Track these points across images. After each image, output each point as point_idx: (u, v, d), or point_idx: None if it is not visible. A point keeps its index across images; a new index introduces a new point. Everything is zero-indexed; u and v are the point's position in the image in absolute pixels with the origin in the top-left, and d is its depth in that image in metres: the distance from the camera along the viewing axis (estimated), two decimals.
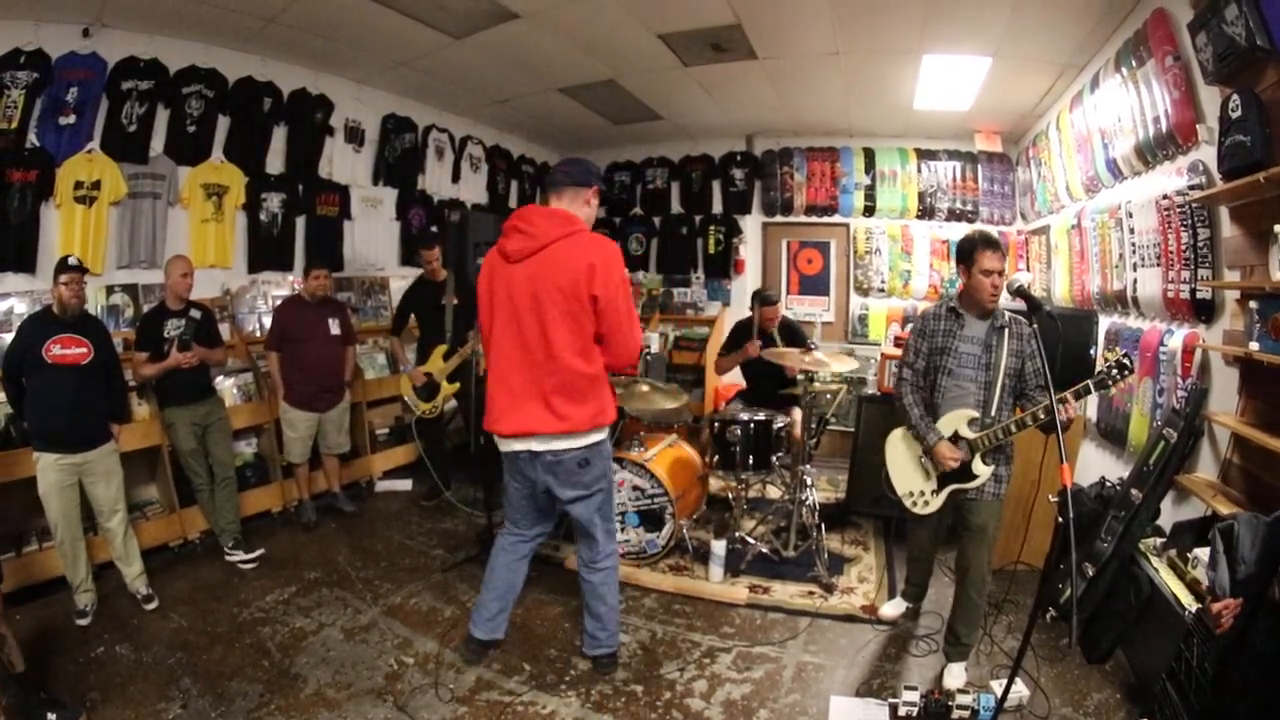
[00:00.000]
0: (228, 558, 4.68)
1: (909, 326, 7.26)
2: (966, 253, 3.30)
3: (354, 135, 6.61)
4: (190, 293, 4.62)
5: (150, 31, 4.97)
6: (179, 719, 3.07)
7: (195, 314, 4.60)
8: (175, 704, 3.16)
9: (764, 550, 4.75)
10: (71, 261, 3.76)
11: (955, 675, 3.38)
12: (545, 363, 2.98)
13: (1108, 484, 4.05)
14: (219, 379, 5.18)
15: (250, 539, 4.85)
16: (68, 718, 2.94)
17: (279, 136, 6.01)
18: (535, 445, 3.08)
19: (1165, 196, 3.91)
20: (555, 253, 2.92)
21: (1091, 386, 2.93)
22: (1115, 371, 2.88)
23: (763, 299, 5.48)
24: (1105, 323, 4.87)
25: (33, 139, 4.53)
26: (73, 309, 3.79)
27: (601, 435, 3.20)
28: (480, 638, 3.53)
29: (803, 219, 8.32)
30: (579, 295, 2.91)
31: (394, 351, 6.27)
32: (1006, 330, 3.28)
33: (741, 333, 5.65)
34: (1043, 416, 3.01)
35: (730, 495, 5.32)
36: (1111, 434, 4.64)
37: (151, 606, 4.04)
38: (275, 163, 6.01)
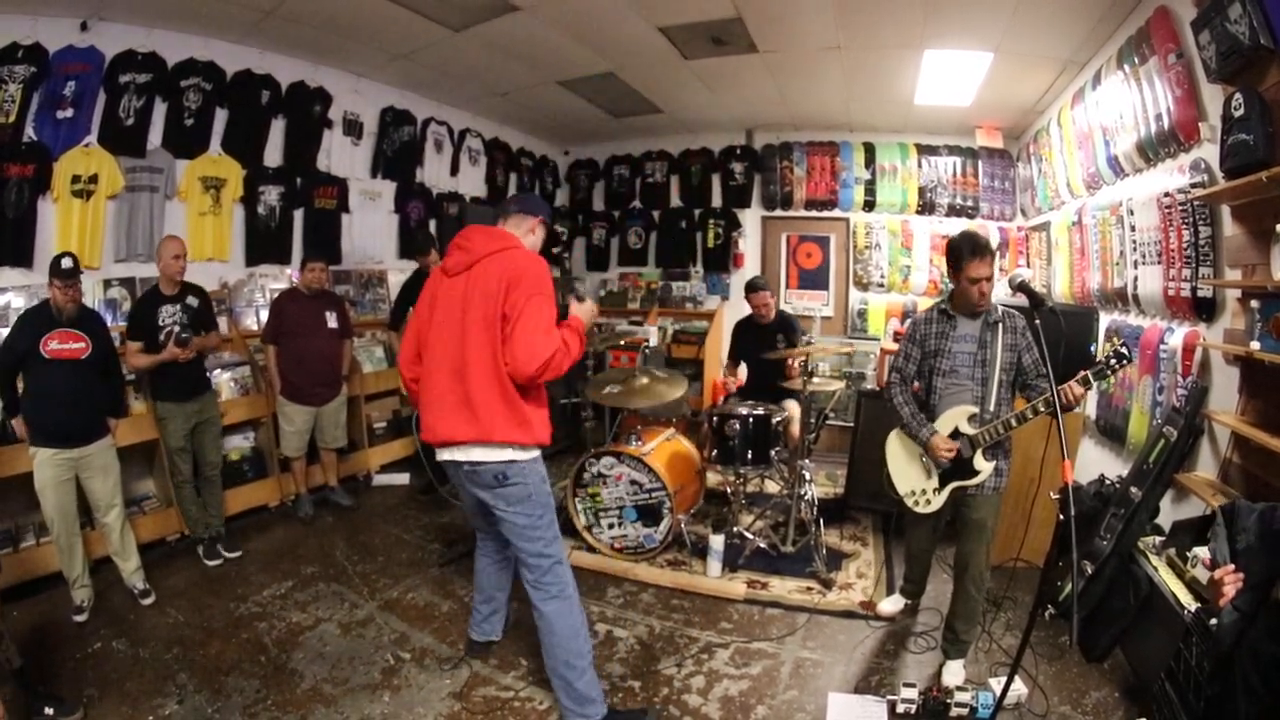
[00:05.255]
0: (213, 557, 4.64)
1: (908, 322, 7.30)
2: (954, 259, 3.28)
3: (352, 128, 6.58)
4: (184, 275, 4.52)
5: (148, 24, 4.94)
6: (175, 715, 3.06)
7: (192, 301, 4.52)
8: (172, 700, 3.15)
9: (762, 545, 4.75)
10: (65, 265, 3.66)
11: (954, 672, 3.38)
12: (463, 370, 2.90)
13: (1107, 481, 4.05)
14: (215, 372, 5.16)
15: (246, 533, 4.86)
16: (65, 712, 2.95)
17: (277, 129, 5.98)
18: (457, 454, 2.98)
19: (1167, 194, 3.91)
20: (485, 266, 2.92)
21: (1090, 377, 2.91)
22: (1114, 361, 2.88)
23: (750, 286, 5.56)
24: (1105, 320, 4.88)
25: (30, 133, 4.50)
26: (69, 312, 3.74)
27: (520, 454, 2.96)
28: (475, 639, 3.60)
29: (802, 213, 8.32)
30: (499, 302, 2.84)
31: (393, 346, 6.24)
32: (1000, 325, 3.28)
33: (741, 333, 5.66)
34: (1043, 409, 3.00)
35: (728, 490, 5.32)
36: (1111, 431, 4.64)
37: (148, 602, 4.04)
38: (273, 155, 5.98)
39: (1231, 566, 2.16)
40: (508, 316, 2.82)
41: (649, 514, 4.64)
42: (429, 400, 3.03)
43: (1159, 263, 4.05)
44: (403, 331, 5.86)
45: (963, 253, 3.22)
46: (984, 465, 3.25)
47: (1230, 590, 2.08)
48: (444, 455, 3.03)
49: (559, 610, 3.01)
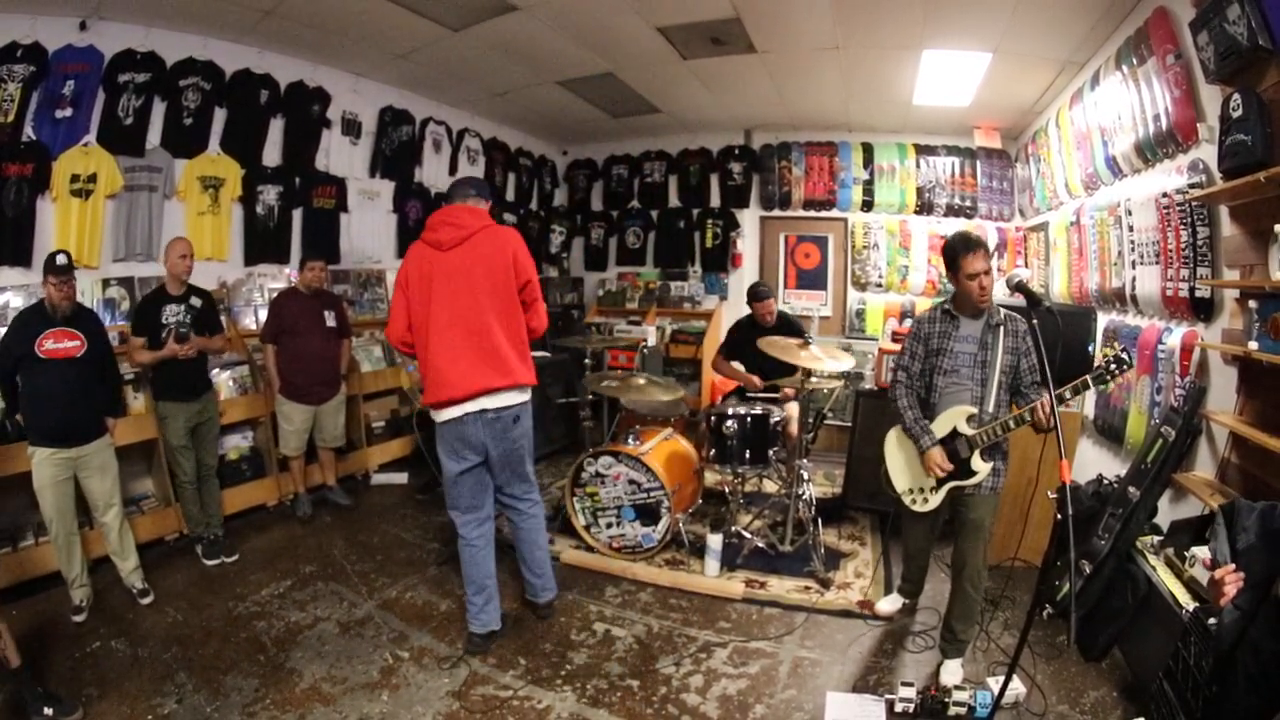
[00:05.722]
0: (213, 557, 4.61)
1: (907, 322, 7.30)
2: (950, 259, 3.30)
3: (351, 127, 6.58)
4: (190, 275, 4.58)
5: (147, 24, 4.94)
6: (174, 714, 3.06)
7: (196, 302, 4.57)
8: (171, 699, 3.15)
9: (760, 545, 4.75)
10: (59, 261, 3.67)
11: (952, 671, 3.38)
12: (483, 329, 3.41)
13: (1105, 481, 4.05)
14: (215, 371, 5.16)
15: (245, 533, 4.88)
16: (65, 712, 2.94)
17: (276, 129, 5.97)
18: (485, 402, 3.43)
19: (1165, 195, 3.91)
20: (481, 239, 3.43)
21: (1090, 382, 2.92)
22: (1113, 366, 2.88)
23: (753, 294, 5.51)
24: (1104, 320, 4.88)
25: (29, 132, 4.49)
26: (63, 310, 3.73)
27: (527, 395, 3.62)
28: (477, 632, 3.64)
29: (801, 213, 8.32)
30: (507, 271, 3.45)
31: None
32: (1002, 328, 3.28)
33: (739, 332, 5.66)
34: (1028, 419, 3.02)
35: (727, 489, 5.33)
36: (1109, 431, 4.64)
37: (147, 601, 4.04)
38: (272, 155, 5.97)
39: (1232, 566, 2.17)
40: (532, 282, 3.54)
41: (647, 513, 4.65)
42: (447, 361, 3.41)
43: (1157, 263, 4.05)
44: None
45: (958, 250, 3.24)
46: (981, 466, 3.25)
47: (1231, 589, 2.09)
48: (470, 407, 3.43)
49: (540, 506, 3.90)
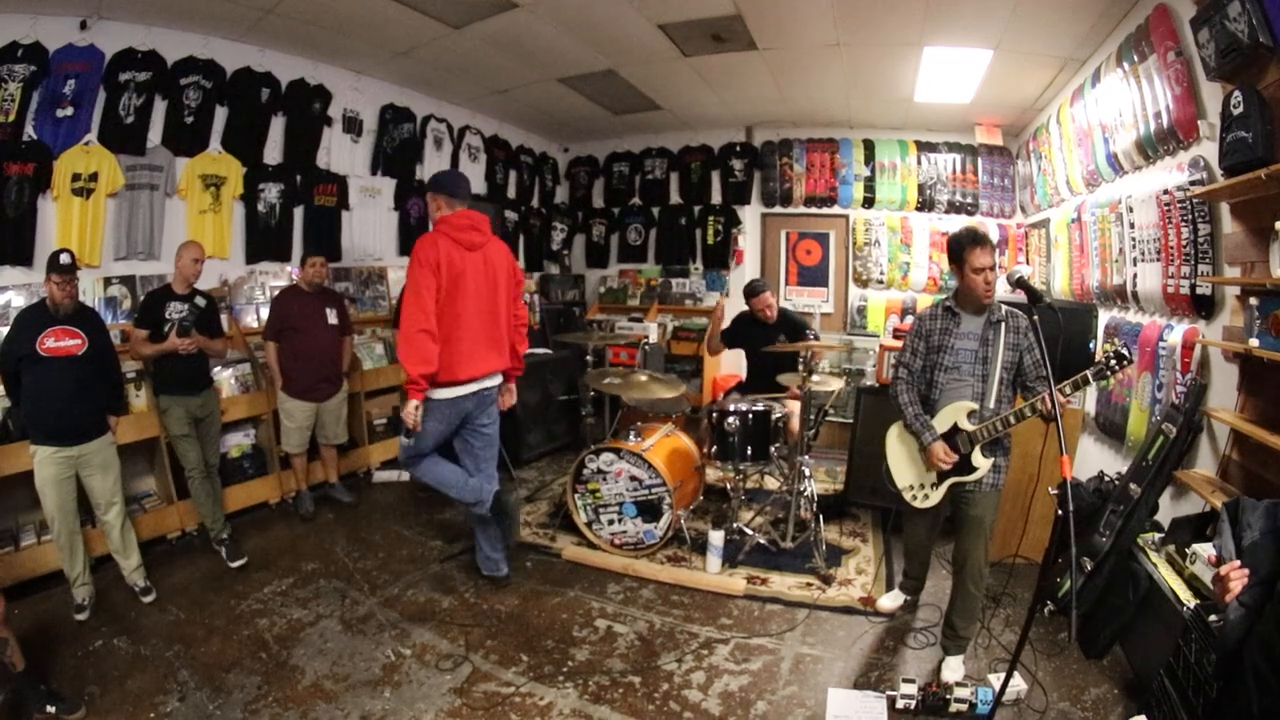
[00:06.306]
0: (236, 557, 4.59)
1: (908, 319, 7.30)
2: (956, 253, 3.31)
3: (352, 125, 6.58)
4: (199, 279, 4.62)
5: (148, 23, 4.94)
6: (177, 711, 3.08)
7: (200, 302, 4.60)
8: (173, 696, 3.16)
9: (762, 541, 4.76)
10: (63, 260, 3.68)
11: (953, 668, 3.39)
12: (495, 322, 4.02)
13: (1106, 478, 4.05)
14: (217, 369, 5.16)
15: (247, 530, 4.91)
16: (67, 710, 2.96)
17: (277, 127, 5.97)
18: (486, 383, 4.03)
19: (1166, 192, 3.91)
20: (493, 246, 4.03)
21: (1090, 377, 2.91)
22: (1114, 362, 2.88)
23: (749, 290, 5.55)
24: (1105, 317, 4.88)
25: (30, 132, 4.50)
26: (65, 308, 3.74)
27: None
28: (488, 500, 4.12)
29: (802, 210, 8.32)
30: (512, 276, 4.13)
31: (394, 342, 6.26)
32: (1003, 324, 3.28)
33: (742, 324, 5.67)
34: (1040, 409, 3.01)
35: (728, 486, 5.33)
36: (1110, 428, 4.65)
37: (149, 599, 4.04)
38: (273, 153, 5.97)
39: (1238, 563, 2.17)
40: (520, 282, 4.24)
41: (649, 510, 4.65)
42: (469, 347, 3.88)
43: (1158, 260, 4.05)
44: None
45: (964, 244, 3.25)
46: (982, 462, 3.25)
47: (1237, 585, 2.09)
48: (474, 387, 3.95)
49: None
